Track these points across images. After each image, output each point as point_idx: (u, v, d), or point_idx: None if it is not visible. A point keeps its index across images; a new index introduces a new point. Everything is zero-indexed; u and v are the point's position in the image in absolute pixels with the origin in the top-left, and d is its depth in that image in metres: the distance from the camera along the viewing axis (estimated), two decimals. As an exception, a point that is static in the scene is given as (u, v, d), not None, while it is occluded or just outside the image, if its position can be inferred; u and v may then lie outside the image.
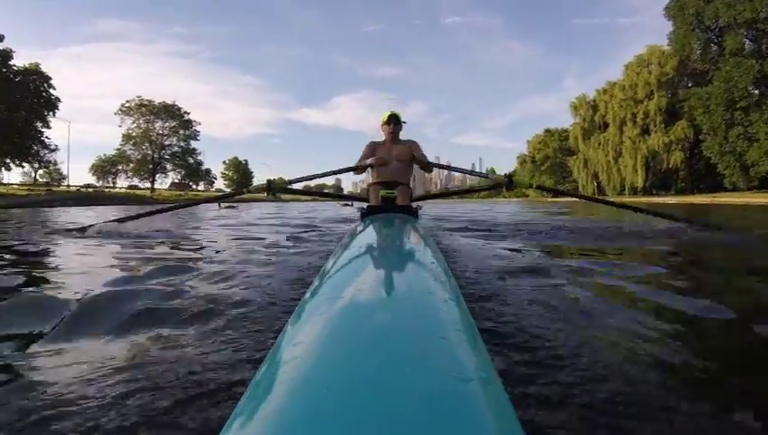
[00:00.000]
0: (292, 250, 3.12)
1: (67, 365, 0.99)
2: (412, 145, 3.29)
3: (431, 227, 4.68)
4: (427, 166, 3.27)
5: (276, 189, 2.91)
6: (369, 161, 3.11)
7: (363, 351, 0.42)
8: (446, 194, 4.54)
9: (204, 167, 76.13)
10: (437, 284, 0.76)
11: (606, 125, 44.55)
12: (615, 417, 0.77)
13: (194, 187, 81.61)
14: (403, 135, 3.34)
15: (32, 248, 3.33)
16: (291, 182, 3.09)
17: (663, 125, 39.54)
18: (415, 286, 0.74)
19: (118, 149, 52.23)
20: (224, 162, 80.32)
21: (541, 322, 1.28)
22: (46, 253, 3.14)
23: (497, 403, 0.37)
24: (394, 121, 3.23)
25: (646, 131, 40.83)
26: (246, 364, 0.94)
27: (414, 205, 3.06)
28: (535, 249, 3.18)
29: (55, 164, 48.23)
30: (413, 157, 3.18)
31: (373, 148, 3.27)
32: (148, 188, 53.56)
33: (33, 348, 1.11)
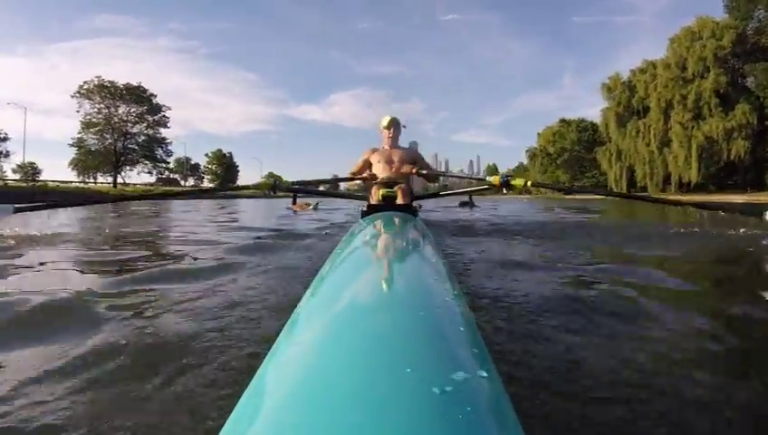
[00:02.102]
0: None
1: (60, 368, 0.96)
2: (414, 153, 3.33)
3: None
4: (432, 177, 3.38)
5: (278, 188, 2.91)
6: (368, 174, 3.17)
7: (363, 350, 0.42)
8: (445, 194, 4.37)
9: (193, 161, 69.78)
10: (438, 283, 0.76)
11: (646, 110, 37.93)
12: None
13: (183, 183, 75.29)
14: (402, 136, 3.42)
15: None
16: (293, 184, 3.12)
17: (720, 108, 33.03)
18: (415, 286, 0.74)
19: (77, 138, 44.75)
20: (206, 155, 73.25)
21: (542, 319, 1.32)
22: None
23: (497, 403, 0.37)
24: (394, 126, 3.26)
25: (698, 116, 34.28)
26: (246, 364, 0.95)
27: (414, 204, 2.99)
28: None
29: (7, 155, 41.66)
30: (414, 162, 3.21)
31: (372, 154, 3.27)
32: (120, 184, 46.84)
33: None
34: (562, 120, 62.72)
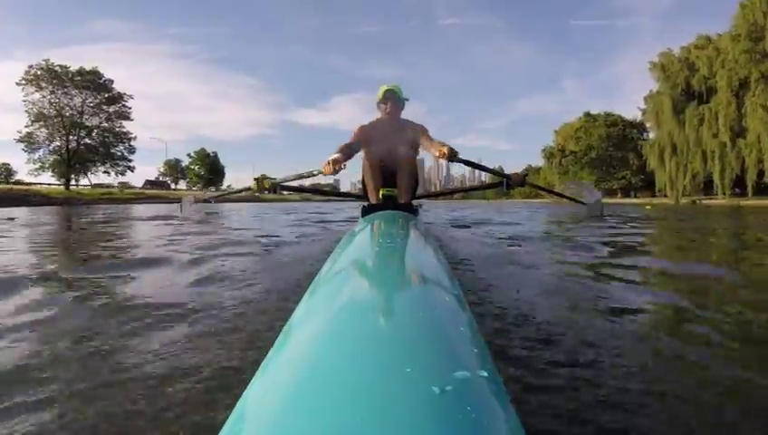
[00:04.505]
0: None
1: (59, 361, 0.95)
2: (419, 130, 2.69)
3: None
4: (447, 155, 2.35)
5: (269, 189, 2.67)
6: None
7: (363, 350, 0.43)
8: (447, 192, 4.26)
9: (184, 163, 63.17)
10: (438, 284, 0.75)
11: (709, 92, 30.74)
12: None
13: (173, 186, 68.73)
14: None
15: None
16: (281, 182, 2.82)
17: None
18: (415, 286, 0.74)
19: (25, 133, 37.61)
20: (188, 155, 66.30)
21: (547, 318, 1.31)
22: None
23: (498, 403, 0.37)
24: (392, 99, 2.69)
25: (783, 97, 27.05)
26: (245, 364, 0.94)
27: (415, 203, 2.76)
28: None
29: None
30: (418, 146, 2.66)
31: (367, 131, 2.67)
32: (87, 186, 39.99)
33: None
34: (587, 115, 55.35)
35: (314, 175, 2.59)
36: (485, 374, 0.40)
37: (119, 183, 44.91)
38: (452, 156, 2.36)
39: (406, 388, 0.35)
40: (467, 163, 2.75)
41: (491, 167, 2.81)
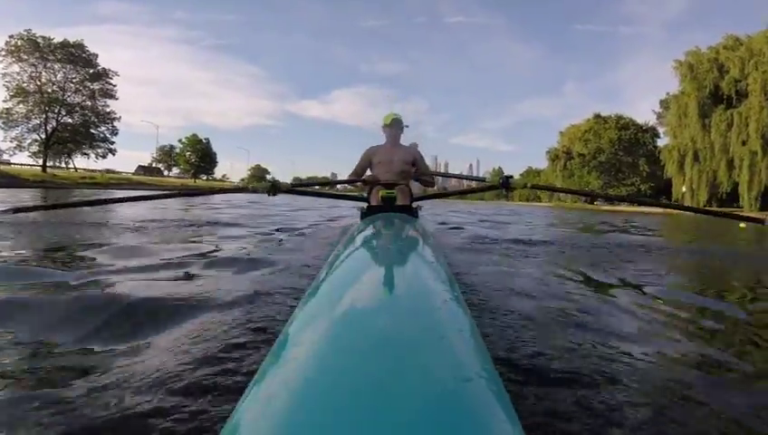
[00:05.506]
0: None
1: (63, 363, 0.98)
2: (414, 152, 3.21)
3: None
4: (430, 180, 3.30)
5: (279, 190, 2.78)
6: (368, 177, 3.05)
7: (363, 351, 0.42)
8: (445, 194, 4.51)
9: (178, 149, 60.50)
10: (438, 284, 0.76)
11: (739, 96, 28.58)
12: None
13: (167, 172, 65.95)
14: (404, 137, 3.34)
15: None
16: (293, 186, 2.99)
17: None
18: (415, 287, 0.73)
19: (2, 109, 34.72)
20: (180, 141, 63.38)
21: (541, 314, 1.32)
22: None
23: (497, 403, 0.37)
24: (396, 125, 3.14)
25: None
26: (246, 365, 0.96)
27: (414, 205, 2.89)
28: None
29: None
30: (414, 162, 3.12)
31: (373, 153, 3.16)
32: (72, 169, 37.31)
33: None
34: (597, 117, 52.99)
35: (336, 182, 3.56)
36: (485, 374, 0.40)
37: (94, 170, 42.46)
38: (428, 182, 3.42)
39: (406, 389, 0.35)
40: (441, 175, 3.80)
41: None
